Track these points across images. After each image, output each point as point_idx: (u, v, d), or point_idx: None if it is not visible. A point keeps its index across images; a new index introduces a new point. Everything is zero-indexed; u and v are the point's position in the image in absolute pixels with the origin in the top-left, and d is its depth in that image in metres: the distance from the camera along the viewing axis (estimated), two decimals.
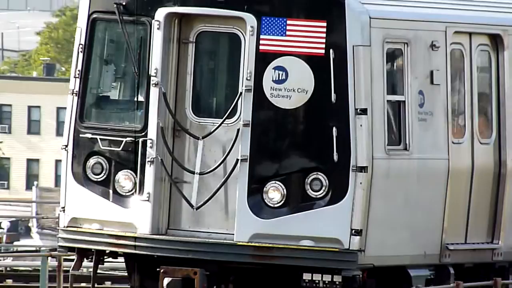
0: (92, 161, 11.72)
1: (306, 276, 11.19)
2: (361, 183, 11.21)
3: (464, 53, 12.36)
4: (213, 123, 11.58)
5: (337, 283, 11.28)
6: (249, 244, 11.20)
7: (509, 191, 12.48)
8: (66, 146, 11.67)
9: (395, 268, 11.87)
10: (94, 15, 11.89)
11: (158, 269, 11.37)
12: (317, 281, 11.28)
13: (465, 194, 12.20)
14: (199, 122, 11.63)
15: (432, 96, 12.09)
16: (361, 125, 11.21)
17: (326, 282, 11.25)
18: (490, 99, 12.61)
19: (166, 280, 11.12)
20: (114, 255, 12.15)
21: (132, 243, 11.46)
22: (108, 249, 11.82)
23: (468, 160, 12.20)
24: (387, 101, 11.72)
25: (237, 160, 11.14)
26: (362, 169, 11.20)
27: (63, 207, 11.95)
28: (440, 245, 12.10)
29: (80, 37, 11.91)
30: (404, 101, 11.87)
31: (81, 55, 11.81)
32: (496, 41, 12.62)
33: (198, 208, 11.15)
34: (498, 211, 12.49)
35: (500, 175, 12.56)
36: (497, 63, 12.68)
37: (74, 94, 11.76)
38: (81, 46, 11.84)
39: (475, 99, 12.28)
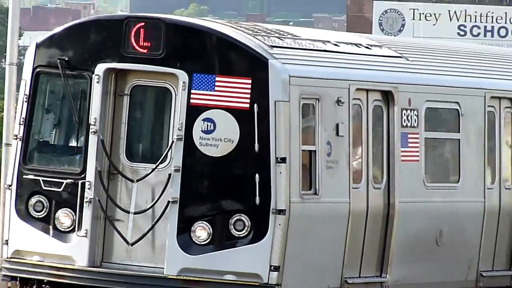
0: (33, 199, 12.47)
1: None
2: (279, 224, 11.99)
3: (362, 107, 13.37)
4: (145, 167, 12.44)
5: None
6: (178, 277, 11.99)
7: (396, 230, 13.46)
8: (10, 185, 12.49)
9: None
10: (38, 69, 12.73)
11: None
12: None
13: (361, 233, 13.15)
14: (131, 166, 12.48)
15: (337, 146, 13.04)
16: (280, 172, 12.00)
17: None
18: (382, 148, 13.63)
19: None
20: (53, 285, 12.75)
21: (72, 274, 12.23)
22: (49, 279, 12.51)
23: (364, 203, 13.22)
24: (302, 150, 12.58)
25: (168, 201, 11.91)
26: (281, 211, 11.99)
27: (7, 240, 12.68)
28: (340, 279, 13.05)
29: (25, 88, 12.73)
30: (315, 151, 12.79)
31: (25, 104, 12.60)
32: (387, 97, 13.68)
33: (133, 244, 11.95)
34: (386, 247, 13.48)
35: (388, 215, 13.56)
36: (388, 117, 13.70)
37: (18, 139, 12.56)
38: (25, 96, 12.66)
39: (370, 149, 13.31)
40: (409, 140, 14.06)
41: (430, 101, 14.45)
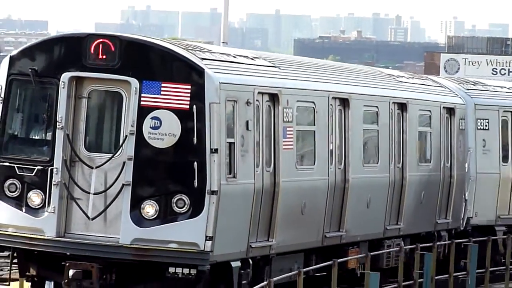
0: (8, 182, 14.37)
1: (171, 269, 14.01)
2: (213, 202, 13.97)
3: (260, 107, 15.67)
4: (100, 157, 14.41)
5: (192, 274, 14.09)
6: (131, 246, 13.92)
7: (279, 204, 15.96)
8: None
9: (225, 262, 14.80)
10: (12, 76, 14.57)
11: (63, 263, 13.94)
12: (178, 273, 14.07)
13: (258, 207, 15.52)
14: (89, 156, 14.41)
15: (247, 138, 15.24)
16: (214, 161, 14.01)
17: (185, 273, 14.05)
18: (270, 139, 16.09)
19: (71, 272, 13.82)
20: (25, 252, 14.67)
21: (42, 243, 14.11)
22: (22, 247, 14.41)
23: (260, 182, 15.50)
24: (226, 142, 14.65)
25: (123, 184, 13.95)
26: (214, 192, 13.97)
27: None
28: (247, 244, 15.35)
29: (0, 92, 14.59)
30: (234, 142, 14.91)
31: (1, 105, 14.49)
32: (274, 98, 16.06)
33: (93, 219, 14.00)
34: (273, 218, 15.92)
35: (274, 192, 15.90)
36: (274, 114, 16.17)
37: None
38: (0, 98, 14.52)
39: (264, 140, 15.71)
40: (287, 133, 16.42)
41: (299, 101, 16.89)
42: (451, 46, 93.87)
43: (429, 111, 21.62)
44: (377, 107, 19.61)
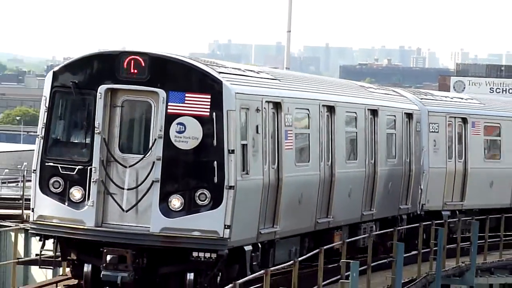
0: (52, 180, 16.20)
1: (195, 254, 15.60)
2: (230, 196, 15.65)
3: (267, 113, 17.54)
4: (132, 157, 16.14)
5: (213, 258, 15.66)
6: (160, 234, 15.67)
7: (282, 196, 18.03)
8: (35, 170, 16.29)
9: (239, 247, 16.49)
10: (55, 88, 16.40)
11: (101, 249, 15.65)
12: (200, 257, 15.65)
13: (266, 199, 17.40)
14: (122, 156, 16.15)
15: (257, 140, 17.07)
16: (231, 160, 15.73)
17: (206, 257, 15.65)
18: (275, 141, 18.03)
19: (109, 257, 15.57)
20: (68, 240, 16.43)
21: (83, 232, 15.93)
22: (65, 236, 16.24)
23: (267, 178, 17.44)
24: (241, 144, 16.38)
25: (153, 181, 15.72)
26: (231, 187, 15.65)
27: (33, 208, 16.43)
28: (257, 230, 17.22)
29: (45, 102, 16.43)
30: (246, 144, 16.68)
31: (46, 114, 16.35)
32: (277, 106, 18.08)
33: (127, 211, 15.81)
34: (277, 208, 17.96)
35: (278, 186, 17.97)
36: (277, 119, 18.15)
37: (41, 138, 16.35)
38: (45, 108, 16.36)
39: (270, 141, 17.65)
40: (288, 135, 18.51)
41: (297, 108, 19.05)
42: (459, 71, 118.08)
43: (394, 116, 24.83)
44: (355, 113, 22.37)
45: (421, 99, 27.41)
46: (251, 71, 18.96)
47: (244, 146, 16.73)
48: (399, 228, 23.19)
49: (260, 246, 17.68)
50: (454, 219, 26.62)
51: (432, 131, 26.75)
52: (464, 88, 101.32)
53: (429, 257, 23.04)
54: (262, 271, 13.92)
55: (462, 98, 31.40)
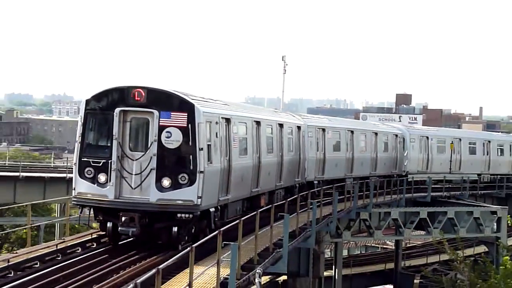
0: (87, 169, 22.22)
1: (179, 215, 21.34)
2: (201, 178, 21.41)
3: (221, 125, 24.17)
4: (138, 154, 21.69)
5: (190, 217, 21.31)
6: (157, 203, 21.36)
7: (232, 175, 25.04)
8: (75, 163, 22.47)
9: (206, 210, 22.33)
10: (87, 111, 22.45)
11: (118, 213, 21.29)
12: (182, 217, 21.28)
13: (223, 177, 24.13)
14: (131, 153, 21.87)
15: (216, 142, 23.23)
16: (201, 154, 21.56)
17: (186, 217, 21.31)
18: (226, 142, 24.66)
19: (123, 218, 21.24)
20: (97, 209, 22.27)
21: (107, 203, 21.68)
22: (95, 205, 22.04)
23: (224, 164, 24.10)
24: (207, 144, 22.25)
25: (151, 169, 21.53)
26: (201, 172, 21.53)
27: (74, 188, 22.52)
28: (217, 198, 23.54)
29: (81, 119, 22.43)
30: (210, 144, 22.69)
31: (82, 127, 22.38)
32: (228, 120, 25.01)
33: (135, 188, 21.62)
34: (229, 182, 25.01)
35: (230, 168, 24.90)
36: (228, 129, 25.03)
37: (79, 143, 22.36)
38: (81, 123, 22.36)
39: (223, 141, 24.38)
40: (235, 138, 25.65)
41: (240, 122, 26.59)
42: (364, 110, 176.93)
43: (291, 127, 35.36)
44: (271, 125, 31.46)
45: (303, 118, 39.63)
46: (212, 99, 25.60)
47: (209, 146, 22.73)
48: (301, 193, 32.81)
49: (219, 208, 24.14)
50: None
51: (309, 136, 38.82)
52: (366, 118, 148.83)
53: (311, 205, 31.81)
54: (216, 232, 18.20)
55: (324, 118, 46.96)
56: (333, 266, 44.94)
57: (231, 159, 25.42)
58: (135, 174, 22.11)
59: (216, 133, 23.81)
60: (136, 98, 22.22)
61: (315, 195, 34.23)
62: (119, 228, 21.85)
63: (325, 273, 40.91)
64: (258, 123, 29.08)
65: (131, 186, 22.05)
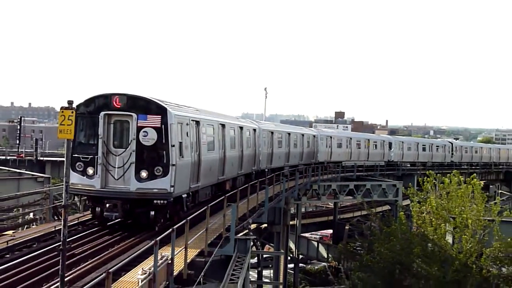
0: (77, 163, 25.02)
1: (155, 201, 23.91)
2: (173, 170, 24.09)
3: (191, 126, 27.03)
4: (120, 150, 24.42)
5: (164, 203, 23.92)
6: (135, 191, 24.00)
7: (201, 166, 28.39)
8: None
9: (179, 196, 25.14)
10: (78, 115, 23.61)
11: (104, 201, 24.46)
12: (158, 203, 23.88)
13: (193, 169, 27.23)
14: (114, 150, 24.71)
15: (187, 140, 26.30)
16: (173, 150, 24.43)
17: (161, 203, 23.99)
18: (196, 139, 28.06)
19: (107, 204, 24.21)
20: (87, 197, 25.25)
21: (94, 191, 24.49)
22: (84, 194, 25.01)
23: (194, 158, 27.28)
24: (179, 142, 25.26)
25: (131, 163, 24.46)
26: (174, 165, 24.16)
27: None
28: (189, 185, 26.50)
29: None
30: (182, 142, 25.74)
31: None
32: (198, 123, 28.36)
33: (117, 179, 24.56)
34: (200, 172, 28.81)
35: (199, 162, 28.18)
36: (198, 129, 28.33)
37: (71, 141, 24.25)
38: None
39: (193, 140, 27.64)
40: (203, 137, 29.20)
41: (208, 125, 30.27)
42: (315, 122, 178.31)
43: (249, 130, 41.80)
44: (234, 128, 36.80)
45: (258, 123, 47.97)
46: (184, 105, 28.59)
47: (180, 143, 25.88)
48: (260, 179, 38.44)
49: (191, 193, 27.43)
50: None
51: (263, 137, 46.80)
52: (316, 127, 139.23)
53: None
54: (184, 221, 20.46)
55: (272, 124, 58.51)
56: (296, 218, 62.28)
57: (200, 154, 28.59)
58: (118, 167, 24.76)
59: (187, 133, 26.78)
60: (118, 104, 24.93)
61: (277, 177, 44.35)
62: (104, 213, 24.91)
63: (291, 222, 56.23)
64: (223, 125, 33.69)
65: (114, 178, 24.75)
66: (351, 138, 77.50)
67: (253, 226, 41.11)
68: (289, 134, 54.78)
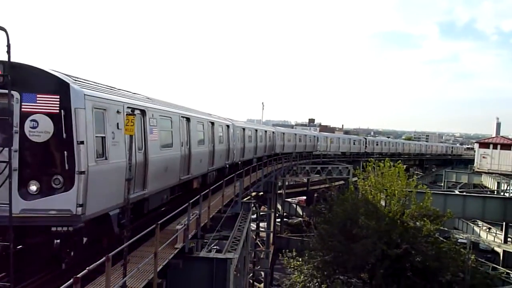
0: None
1: (54, 228, 16.49)
2: (81, 180, 16.43)
3: (126, 114, 18.06)
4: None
5: (70, 230, 16.50)
6: (20, 214, 16.26)
7: (149, 169, 22.29)
8: None
9: (104, 214, 18.02)
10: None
11: None
12: (59, 230, 16.47)
13: (132, 173, 19.90)
14: None
15: (118, 134, 18.63)
16: (80, 149, 16.47)
17: (64, 230, 16.48)
18: (142, 134, 21.34)
19: None
20: None
21: None
22: None
23: (137, 159, 20.49)
24: (95, 136, 17.23)
25: (12, 170, 15.54)
26: (82, 172, 16.53)
27: None
28: (124, 196, 18.69)
29: None
30: (104, 136, 17.85)
31: None
32: (143, 112, 21.30)
33: None
34: (146, 176, 22.29)
35: (146, 163, 21.29)
36: (144, 120, 21.39)
37: None
38: None
39: (137, 135, 20.78)
40: (153, 130, 22.18)
41: (161, 116, 23.64)
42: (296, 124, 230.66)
43: (221, 125, 40.63)
44: (203, 123, 33.97)
45: (232, 120, 49.50)
46: (126, 91, 22.20)
47: (103, 138, 18.12)
48: (236, 172, 39.87)
49: (130, 205, 18.40)
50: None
51: (237, 133, 48.34)
52: (302, 128, 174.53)
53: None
54: (207, 190, 27.19)
55: (243, 121, 61.71)
56: (282, 188, 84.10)
57: (147, 153, 22.08)
58: None
59: (118, 124, 19.14)
60: None
61: (260, 166, 55.52)
62: None
63: (278, 191, 77.09)
64: (188, 119, 30.09)
65: None
66: (296, 134, 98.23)
67: (253, 194, 60.89)
68: (256, 130, 63.03)
